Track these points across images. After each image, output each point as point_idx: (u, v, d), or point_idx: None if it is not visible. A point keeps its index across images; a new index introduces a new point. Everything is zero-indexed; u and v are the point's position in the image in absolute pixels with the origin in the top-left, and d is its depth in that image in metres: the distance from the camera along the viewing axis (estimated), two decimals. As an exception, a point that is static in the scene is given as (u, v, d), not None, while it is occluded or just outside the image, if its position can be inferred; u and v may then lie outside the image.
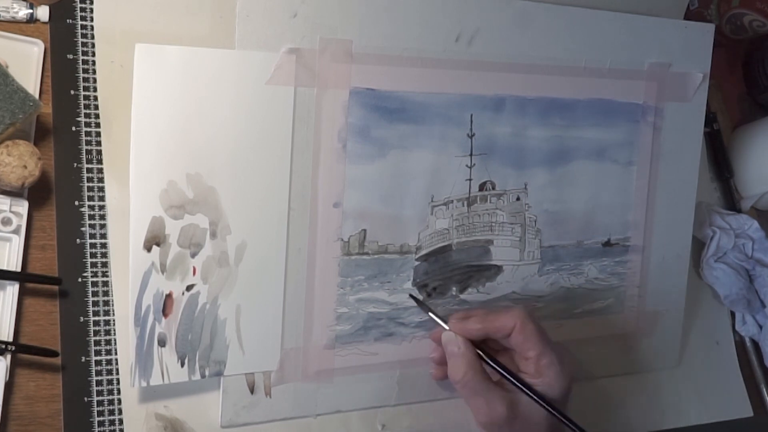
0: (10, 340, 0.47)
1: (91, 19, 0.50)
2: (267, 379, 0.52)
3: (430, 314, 0.54)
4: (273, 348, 0.52)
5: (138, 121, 0.47)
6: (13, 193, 0.48)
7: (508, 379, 0.51)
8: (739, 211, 0.73)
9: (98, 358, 0.49)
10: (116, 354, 0.50)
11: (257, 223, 0.50)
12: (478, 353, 0.52)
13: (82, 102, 0.50)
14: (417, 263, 0.56)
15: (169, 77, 0.47)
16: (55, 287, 0.49)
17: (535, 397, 0.51)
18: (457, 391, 0.52)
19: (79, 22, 0.51)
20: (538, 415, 0.51)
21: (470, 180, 0.57)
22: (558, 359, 0.51)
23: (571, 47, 0.59)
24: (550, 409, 0.50)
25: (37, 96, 0.49)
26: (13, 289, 0.48)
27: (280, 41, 0.50)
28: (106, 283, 0.50)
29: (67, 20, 0.51)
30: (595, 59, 0.60)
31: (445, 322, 0.53)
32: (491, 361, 0.52)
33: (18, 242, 0.48)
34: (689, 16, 0.67)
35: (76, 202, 0.50)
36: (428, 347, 0.56)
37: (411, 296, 0.55)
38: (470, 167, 0.57)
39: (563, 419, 0.51)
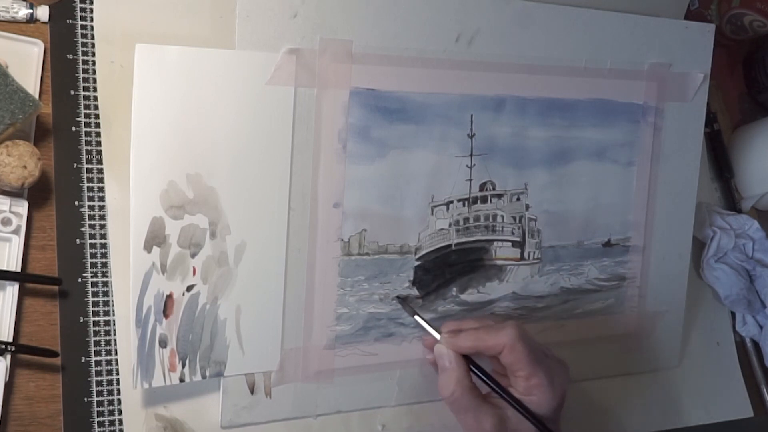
0: (10, 340, 0.47)
1: (91, 19, 0.50)
2: (267, 380, 0.52)
3: (422, 323, 0.54)
4: (273, 348, 0.52)
5: (138, 121, 0.47)
6: (13, 193, 0.48)
7: (499, 394, 0.51)
8: (739, 211, 0.73)
9: (98, 358, 0.49)
10: (116, 354, 0.50)
11: (257, 223, 0.50)
12: (469, 367, 0.52)
13: (82, 102, 0.50)
14: (417, 263, 0.56)
15: (170, 77, 0.47)
16: (55, 287, 0.49)
17: (525, 414, 0.50)
18: (447, 405, 0.52)
19: (79, 22, 0.51)
20: (529, 429, 0.51)
21: (470, 180, 0.57)
22: (548, 379, 0.51)
23: (571, 47, 0.59)
24: (538, 425, 0.50)
25: (37, 96, 0.49)
26: (13, 290, 0.48)
27: (280, 41, 0.50)
28: (106, 284, 0.50)
29: (67, 20, 0.50)
30: (596, 59, 0.60)
31: (438, 332, 0.53)
32: (482, 374, 0.52)
33: (18, 242, 0.48)
34: (689, 16, 0.67)
35: (76, 202, 0.50)
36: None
37: (398, 298, 0.55)
38: (470, 167, 0.57)
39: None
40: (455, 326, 0.53)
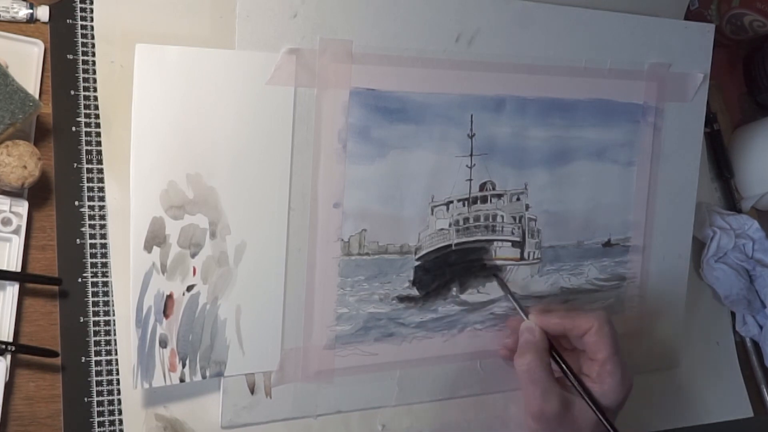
0: (10, 340, 0.47)
1: (91, 19, 0.50)
2: (267, 380, 0.52)
3: (516, 304, 0.56)
4: (273, 348, 0.52)
5: (138, 121, 0.47)
6: (13, 193, 0.48)
7: (569, 379, 0.53)
8: (739, 211, 0.73)
9: (98, 358, 0.49)
10: (116, 354, 0.50)
11: (257, 223, 0.50)
12: (550, 347, 0.54)
13: (82, 102, 0.50)
14: (417, 263, 0.56)
15: (170, 77, 0.47)
16: (55, 287, 0.49)
17: (591, 405, 0.52)
18: (518, 376, 0.53)
19: (79, 22, 0.51)
20: (587, 422, 0.52)
21: (470, 180, 0.57)
22: (621, 370, 0.53)
23: (571, 47, 0.59)
24: (602, 418, 0.51)
25: (37, 96, 0.49)
26: (13, 290, 0.48)
27: (280, 41, 0.50)
28: (106, 284, 0.50)
29: (67, 20, 0.50)
30: (596, 59, 0.60)
31: (526, 314, 0.55)
32: (559, 357, 0.54)
33: (18, 242, 0.48)
34: (689, 16, 0.67)
35: (76, 202, 0.50)
36: (431, 346, 0.56)
37: (497, 278, 0.58)
38: (470, 167, 0.57)
39: (611, 429, 0.52)
40: (544, 308, 0.56)
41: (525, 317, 0.55)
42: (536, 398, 0.52)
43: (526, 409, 0.53)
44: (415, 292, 0.56)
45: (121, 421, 0.49)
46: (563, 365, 0.54)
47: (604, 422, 0.51)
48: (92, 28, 0.50)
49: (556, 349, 0.54)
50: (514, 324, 0.57)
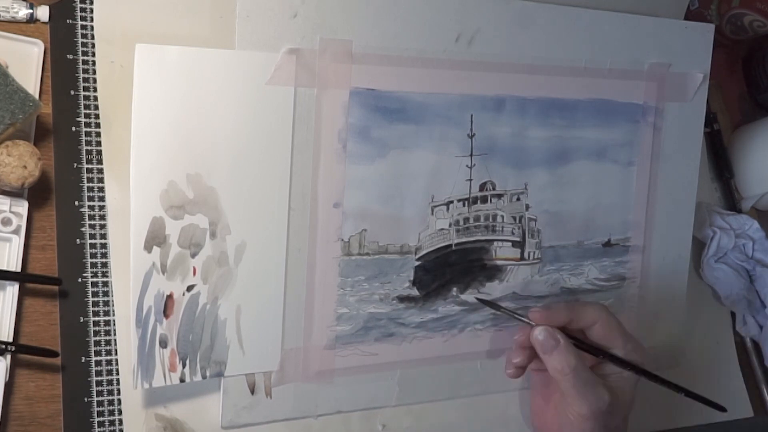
0: (10, 340, 0.47)
1: (91, 19, 0.50)
2: (267, 380, 0.52)
3: (513, 314, 0.55)
4: (273, 348, 0.52)
5: (138, 121, 0.47)
6: (13, 193, 0.48)
7: (610, 357, 0.53)
8: (739, 211, 0.73)
9: (98, 358, 0.49)
10: (116, 354, 0.50)
11: (257, 223, 0.50)
12: (573, 342, 0.53)
13: (82, 102, 0.50)
14: (417, 263, 0.56)
15: (170, 77, 0.47)
16: (55, 287, 0.49)
17: (637, 371, 0.53)
18: (561, 384, 0.52)
19: (79, 22, 0.51)
20: (627, 399, 0.53)
21: (470, 180, 0.57)
22: (637, 347, 0.54)
23: (571, 47, 0.59)
24: (653, 378, 0.53)
25: (37, 96, 0.49)
26: (13, 290, 0.48)
27: (280, 41, 0.50)
28: (106, 284, 0.50)
29: (67, 20, 0.50)
30: (596, 59, 0.60)
31: (529, 321, 0.54)
32: (582, 343, 0.54)
33: (18, 242, 0.48)
34: (689, 16, 0.67)
35: (76, 202, 0.50)
36: (431, 346, 0.56)
37: (480, 300, 0.57)
38: (470, 167, 0.57)
39: (662, 381, 0.54)
40: (542, 308, 0.55)
41: (531, 323, 0.54)
42: (589, 399, 0.51)
43: (575, 414, 0.51)
44: (415, 292, 0.56)
45: (121, 421, 0.49)
46: (594, 351, 0.53)
47: (655, 380, 0.54)
48: (92, 28, 0.50)
49: (574, 337, 0.54)
50: (523, 340, 0.55)
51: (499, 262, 0.59)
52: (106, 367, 0.50)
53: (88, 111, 0.50)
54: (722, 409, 0.56)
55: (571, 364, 0.51)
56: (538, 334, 0.53)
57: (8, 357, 0.47)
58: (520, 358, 0.55)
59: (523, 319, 0.54)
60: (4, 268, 0.48)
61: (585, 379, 0.51)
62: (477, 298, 0.57)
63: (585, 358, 0.53)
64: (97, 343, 0.50)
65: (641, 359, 0.54)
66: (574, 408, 0.52)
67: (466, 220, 0.57)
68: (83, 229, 0.50)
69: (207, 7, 0.51)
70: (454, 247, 0.57)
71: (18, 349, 0.47)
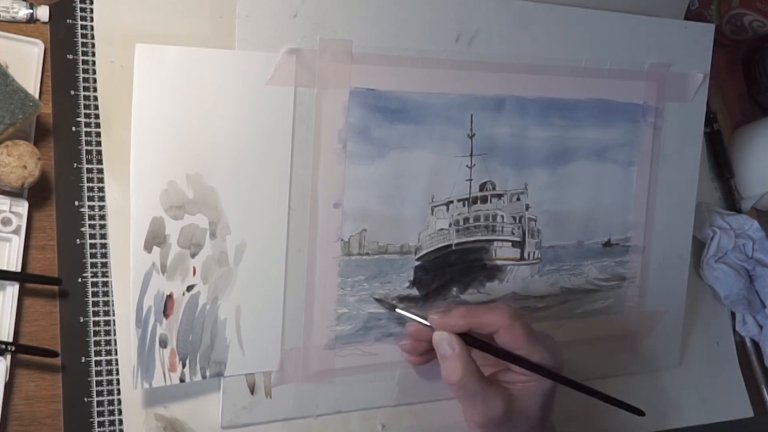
0: (10, 340, 0.47)
1: (91, 19, 0.50)
2: (267, 380, 0.52)
3: (406, 314, 0.53)
4: (273, 348, 0.52)
5: (138, 121, 0.47)
6: (13, 193, 0.48)
7: (512, 359, 0.51)
8: (739, 211, 0.73)
9: (98, 358, 0.49)
10: (116, 354, 0.50)
11: (257, 223, 0.50)
12: (472, 343, 0.51)
13: (82, 102, 0.50)
14: (417, 263, 0.56)
15: (170, 77, 0.47)
16: (55, 287, 0.49)
17: (544, 373, 0.51)
18: (452, 392, 0.51)
19: (79, 22, 0.51)
20: (533, 409, 0.51)
21: (470, 180, 0.57)
22: (548, 353, 0.51)
23: (571, 47, 0.59)
24: (559, 379, 0.51)
25: (37, 96, 0.49)
26: (13, 290, 0.48)
27: (280, 41, 0.50)
28: (106, 284, 0.50)
29: (67, 20, 0.50)
30: (596, 59, 0.60)
31: (424, 319, 0.52)
32: (485, 347, 0.51)
33: (18, 242, 0.48)
34: (689, 16, 0.67)
35: (76, 202, 0.50)
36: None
37: (376, 300, 0.54)
38: (470, 167, 0.57)
39: (570, 383, 0.51)
40: (443, 311, 0.52)
41: (428, 325, 0.52)
42: (478, 409, 0.50)
43: (470, 422, 0.51)
44: (415, 292, 0.56)
45: (121, 421, 0.49)
46: (495, 353, 0.51)
47: (563, 382, 0.51)
48: (92, 28, 0.50)
49: (478, 341, 0.51)
50: (413, 330, 0.53)
51: (499, 262, 0.59)
52: (106, 367, 0.50)
53: (88, 111, 0.50)
54: (640, 413, 0.54)
55: (458, 374, 0.50)
56: (436, 338, 0.51)
57: (8, 357, 0.47)
58: (407, 344, 0.54)
59: (422, 321, 0.52)
60: (4, 268, 0.48)
61: (473, 389, 0.50)
62: (374, 298, 0.54)
63: (488, 363, 0.52)
64: (97, 343, 0.50)
65: (556, 364, 0.52)
66: (466, 416, 0.51)
67: (466, 220, 0.57)
68: (83, 229, 0.50)
69: (207, 7, 0.51)
70: (454, 247, 0.57)
71: (18, 349, 0.47)
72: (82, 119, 0.50)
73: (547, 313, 0.61)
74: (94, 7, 0.49)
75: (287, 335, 0.52)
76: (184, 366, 0.49)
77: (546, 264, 0.61)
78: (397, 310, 0.54)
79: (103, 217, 0.50)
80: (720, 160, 0.73)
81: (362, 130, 0.53)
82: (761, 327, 0.70)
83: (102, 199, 0.50)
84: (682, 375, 0.68)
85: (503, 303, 0.52)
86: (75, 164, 0.50)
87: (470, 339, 0.52)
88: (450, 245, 0.57)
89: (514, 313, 0.51)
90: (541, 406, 0.51)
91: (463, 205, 0.57)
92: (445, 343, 0.51)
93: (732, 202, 0.73)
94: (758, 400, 0.72)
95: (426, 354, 0.55)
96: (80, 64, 0.50)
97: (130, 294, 0.47)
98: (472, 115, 0.56)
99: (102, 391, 0.49)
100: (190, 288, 0.49)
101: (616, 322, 0.64)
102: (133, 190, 0.47)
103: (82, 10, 0.51)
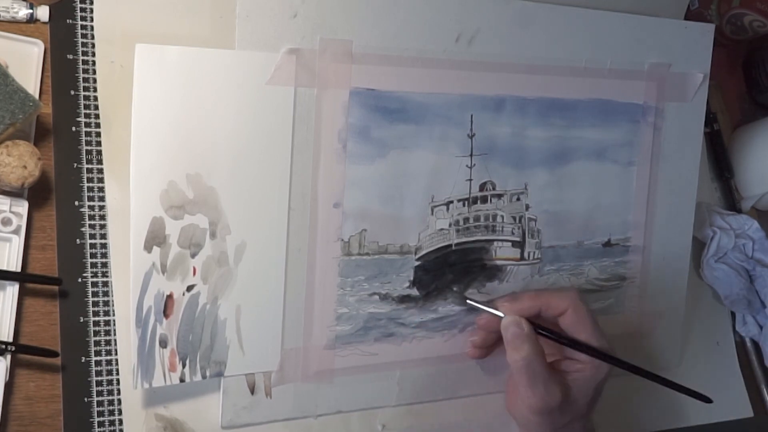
0: (10, 340, 0.47)
1: (91, 19, 0.50)
2: (267, 380, 0.52)
3: (480, 305, 0.55)
4: (273, 348, 0.52)
5: (138, 121, 0.47)
6: (13, 193, 0.48)
7: (576, 346, 0.52)
8: (739, 211, 0.73)
9: (98, 358, 0.49)
10: (116, 354, 0.50)
11: (257, 223, 0.50)
12: (538, 330, 0.52)
13: (82, 102, 0.50)
14: (417, 263, 0.56)
15: (170, 77, 0.47)
16: (55, 287, 0.49)
17: (607, 354, 0.52)
18: (515, 372, 0.52)
19: (79, 22, 0.51)
20: (582, 402, 0.52)
21: (470, 180, 0.57)
22: (606, 342, 0.53)
23: (571, 47, 0.59)
24: (619, 362, 0.52)
25: (37, 96, 0.49)
26: (13, 290, 0.48)
27: (280, 41, 0.50)
28: (106, 284, 0.50)
29: (67, 20, 0.50)
30: (596, 59, 0.60)
31: (498, 310, 0.54)
32: (545, 329, 0.53)
33: (18, 242, 0.48)
34: (689, 16, 0.67)
35: (76, 202, 0.50)
36: (431, 346, 0.56)
37: (454, 293, 0.56)
38: (470, 167, 0.57)
39: (633, 369, 0.54)
40: (510, 297, 0.54)
41: (501, 315, 0.54)
42: (539, 393, 0.51)
43: (525, 405, 0.52)
44: (415, 292, 0.56)
45: (121, 421, 0.49)
46: (559, 339, 0.53)
47: (622, 366, 0.53)
48: (92, 28, 0.50)
49: (544, 327, 0.53)
50: (484, 322, 0.55)
51: (499, 262, 0.59)
52: (106, 367, 0.50)
53: (88, 111, 0.50)
54: (708, 400, 0.56)
55: (526, 350, 0.51)
56: (507, 323, 0.53)
57: (8, 357, 0.47)
58: (478, 338, 0.56)
59: (495, 312, 0.54)
60: (4, 268, 0.48)
61: (537, 372, 0.51)
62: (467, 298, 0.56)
63: (548, 353, 0.53)
64: (97, 343, 0.50)
65: (611, 351, 0.54)
66: (525, 399, 0.52)
67: (466, 220, 0.57)
68: (83, 229, 0.50)
69: (207, 7, 0.51)
70: (454, 247, 0.57)
71: (18, 349, 0.47)
72: (82, 119, 0.50)
73: (547, 313, 0.61)
74: (94, 7, 0.49)
75: (287, 335, 0.52)
76: (184, 366, 0.49)
77: (546, 264, 0.61)
78: (468, 301, 0.55)
79: (103, 217, 0.50)
80: (720, 160, 0.73)
81: (362, 130, 0.53)
82: (761, 327, 0.70)
83: (102, 199, 0.50)
84: (682, 375, 0.68)
85: (571, 287, 0.54)
86: (75, 164, 0.50)
87: (536, 326, 0.53)
88: (450, 245, 0.57)
89: (581, 296, 0.53)
90: (590, 400, 0.52)
91: (463, 205, 0.57)
92: (513, 325, 0.52)
93: (732, 202, 0.73)
94: (758, 400, 0.72)
95: (492, 346, 0.56)
96: (80, 64, 0.50)
97: (130, 294, 0.47)
98: (472, 115, 0.56)
99: (102, 391, 0.49)
100: (190, 288, 0.49)
101: (616, 322, 0.64)
102: (133, 190, 0.47)
103: (82, 10, 0.51)
